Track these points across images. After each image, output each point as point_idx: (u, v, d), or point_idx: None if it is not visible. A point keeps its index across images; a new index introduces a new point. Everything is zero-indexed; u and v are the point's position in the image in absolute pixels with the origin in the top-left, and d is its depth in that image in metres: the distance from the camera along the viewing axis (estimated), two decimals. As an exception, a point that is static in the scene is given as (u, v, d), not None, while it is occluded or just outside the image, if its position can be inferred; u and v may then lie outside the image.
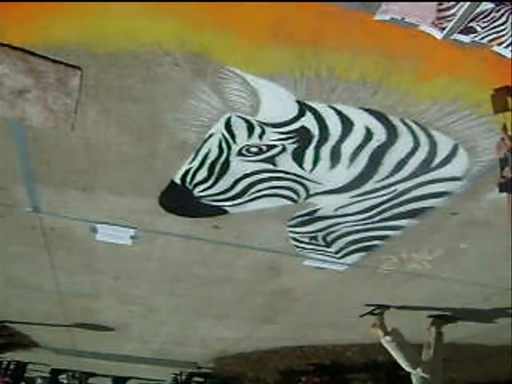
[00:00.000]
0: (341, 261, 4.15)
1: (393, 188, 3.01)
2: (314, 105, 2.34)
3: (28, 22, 1.97)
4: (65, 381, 15.19)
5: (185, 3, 1.85)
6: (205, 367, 10.69)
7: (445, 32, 1.91)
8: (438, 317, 5.56)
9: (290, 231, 3.66)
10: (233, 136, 2.58)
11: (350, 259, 4.11)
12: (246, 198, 3.16)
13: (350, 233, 3.66)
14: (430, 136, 2.54)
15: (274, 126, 2.49)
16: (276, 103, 2.32)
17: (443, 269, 4.20)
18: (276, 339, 7.46)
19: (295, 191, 3.08)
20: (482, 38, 1.95)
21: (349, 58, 2.06)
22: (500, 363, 7.22)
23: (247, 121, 2.46)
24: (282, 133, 2.54)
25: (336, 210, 3.32)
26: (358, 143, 2.61)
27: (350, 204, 3.23)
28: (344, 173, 2.87)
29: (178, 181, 3.01)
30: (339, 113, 2.39)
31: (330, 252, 3.99)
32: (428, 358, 5.44)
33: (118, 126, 2.55)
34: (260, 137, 2.58)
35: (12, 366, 12.79)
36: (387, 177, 2.90)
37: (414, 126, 2.48)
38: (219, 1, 1.84)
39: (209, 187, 3.05)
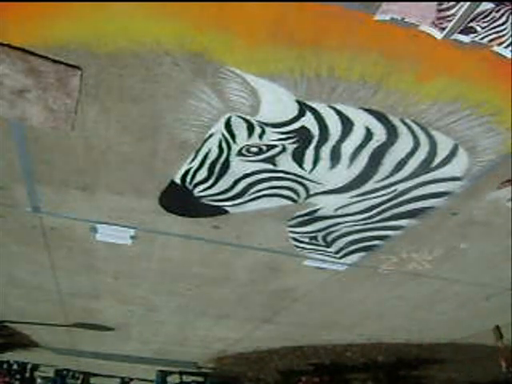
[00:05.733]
0: (341, 261, 4.15)
1: (393, 188, 3.01)
2: (314, 105, 2.34)
3: (28, 22, 1.97)
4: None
5: (185, 3, 1.85)
6: (205, 367, 10.69)
7: (445, 32, 1.91)
8: None
9: (290, 231, 3.66)
10: (233, 136, 2.58)
11: (349, 259, 4.11)
12: (246, 197, 3.16)
13: (350, 233, 3.66)
14: (430, 136, 2.54)
15: (274, 126, 2.49)
16: (276, 103, 2.32)
17: (443, 269, 4.20)
18: (276, 339, 7.46)
19: (295, 191, 3.08)
20: (482, 38, 1.95)
21: (349, 57, 2.06)
22: (500, 363, 7.21)
23: (247, 121, 2.46)
24: (282, 133, 2.54)
25: (336, 210, 3.32)
26: (358, 143, 2.61)
27: (349, 204, 3.23)
28: (344, 173, 2.87)
29: (178, 181, 3.01)
30: (339, 113, 2.39)
31: (330, 252, 3.99)
32: None
33: (118, 125, 2.55)
34: (260, 137, 2.58)
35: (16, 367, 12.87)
36: (387, 177, 2.90)
37: (414, 126, 2.48)
38: (219, 1, 1.84)
39: (209, 187, 3.05)
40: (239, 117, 2.44)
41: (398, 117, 2.42)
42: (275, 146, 2.65)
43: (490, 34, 1.93)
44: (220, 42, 2.01)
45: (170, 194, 3.18)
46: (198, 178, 2.96)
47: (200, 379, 11.15)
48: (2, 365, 12.76)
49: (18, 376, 13.34)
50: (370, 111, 2.38)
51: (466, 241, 3.65)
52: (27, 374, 13.63)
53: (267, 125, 2.49)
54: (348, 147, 2.65)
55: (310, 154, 2.71)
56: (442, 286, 4.64)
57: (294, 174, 2.91)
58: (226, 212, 3.37)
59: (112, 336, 8.23)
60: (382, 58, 2.06)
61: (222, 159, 2.77)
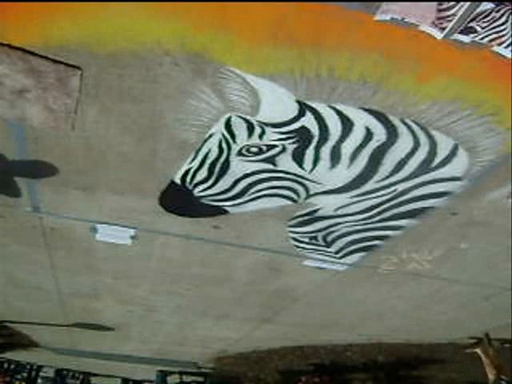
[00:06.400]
0: (341, 261, 4.15)
1: (393, 188, 3.01)
2: (314, 105, 2.34)
3: (28, 22, 1.97)
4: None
5: (185, 3, 1.85)
6: (205, 367, 10.70)
7: (445, 32, 1.92)
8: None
9: (290, 231, 3.66)
10: (233, 136, 2.58)
11: (349, 259, 4.11)
12: (246, 197, 3.16)
13: (350, 233, 3.66)
14: (430, 136, 2.54)
15: (274, 126, 2.49)
16: (276, 103, 2.32)
17: (443, 269, 4.20)
18: (276, 339, 7.46)
19: (295, 191, 3.08)
20: (482, 38, 1.95)
21: (349, 57, 2.06)
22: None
23: (247, 121, 2.46)
24: (282, 133, 2.54)
25: (336, 209, 3.32)
26: (358, 143, 2.61)
27: (350, 204, 3.23)
28: (344, 173, 2.87)
29: (178, 181, 3.01)
30: (339, 113, 2.39)
31: (330, 252, 3.99)
32: None
33: (118, 125, 2.55)
34: (260, 137, 2.58)
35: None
36: (387, 177, 2.90)
37: (414, 126, 2.48)
38: (219, 1, 1.84)
39: (209, 187, 3.05)
40: (239, 117, 2.44)
41: (398, 117, 2.42)
42: (275, 145, 2.65)
43: (490, 34, 1.93)
44: (220, 42, 2.01)
45: (170, 194, 3.18)
46: (198, 177, 2.96)
47: (200, 379, 11.15)
48: (3, 365, 12.78)
49: (19, 376, 13.37)
50: (370, 111, 2.38)
51: (466, 241, 3.65)
52: (33, 373, 13.67)
53: (267, 125, 2.49)
54: (348, 147, 2.65)
55: (309, 153, 2.71)
56: (442, 286, 4.64)
57: (294, 174, 2.91)
58: (226, 212, 3.37)
59: (112, 336, 8.23)
60: (382, 58, 2.06)
61: (222, 159, 2.77)
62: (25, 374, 13.71)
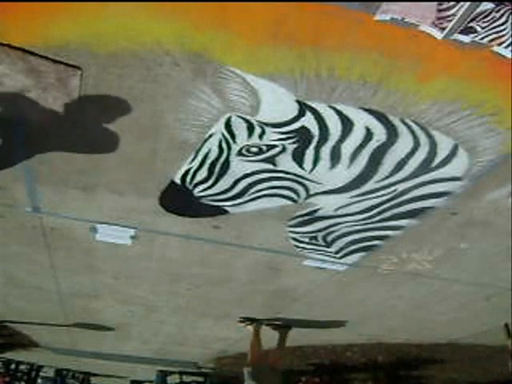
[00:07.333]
0: (341, 261, 4.15)
1: (393, 188, 3.01)
2: (314, 105, 2.34)
3: (28, 22, 1.97)
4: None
5: (185, 3, 1.85)
6: (205, 367, 10.70)
7: (445, 32, 1.92)
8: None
9: (290, 231, 3.66)
10: (233, 136, 2.58)
11: (349, 259, 4.11)
12: (246, 197, 3.16)
13: (350, 233, 3.66)
14: (430, 136, 2.54)
15: (274, 125, 2.49)
16: (276, 103, 2.32)
17: (443, 269, 4.20)
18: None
19: (295, 191, 3.08)
20: (482, 38, 1.95)
21: (349, 57, 2.06)
22: (500, 363, 7.23)
23: (247, 121, 2.46)
24: (282, 133, 2.54)
25: (336, 209, 3.32)
26: (358, 143, 2.61)
27: (350, 204, 3.23)
28: (344, 173, 2.87)
29: (178, 181, 3.01)
30: (339, 113, 2.39)
31: (330, 252, 3.99)
32: None
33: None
34: (260, 137, 2.58)
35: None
36: (387, 177, 2.90)
37: (414, 126, 2.48)
38: (219, 1, 1.84)
39: (209, 187, 3.05)
40: (239, 117, 2.44)
41: (398, 117, 2.42)
42: (275, 145, 2.65)
43: (490, 34, 1.93)
44: (220, 42, 2.01)
45: (170, 194, 3.18)
46: (198, 177, 2.96)
47: (200, 379, 11.15)
48: (3, 365, 12.79)
49: (19, 376, 13.39)
50: (370, 111, 2.38)
51: (466, 241, 3.65)
52: (33, 373, 13.69)
53: (267, 125, 2.49)
54: (348, 147, 2.65)
55: (309, 153, 2.71)
56: (442, 286, 4.64)
57: (294, 174, 2.91)
58: (226, 212, 3.37)
59: (112, 336, 8.24)
60: (382, 58, 2.06)
61: (222, 159, 2.78)
62: (25, 374, 13.70)
